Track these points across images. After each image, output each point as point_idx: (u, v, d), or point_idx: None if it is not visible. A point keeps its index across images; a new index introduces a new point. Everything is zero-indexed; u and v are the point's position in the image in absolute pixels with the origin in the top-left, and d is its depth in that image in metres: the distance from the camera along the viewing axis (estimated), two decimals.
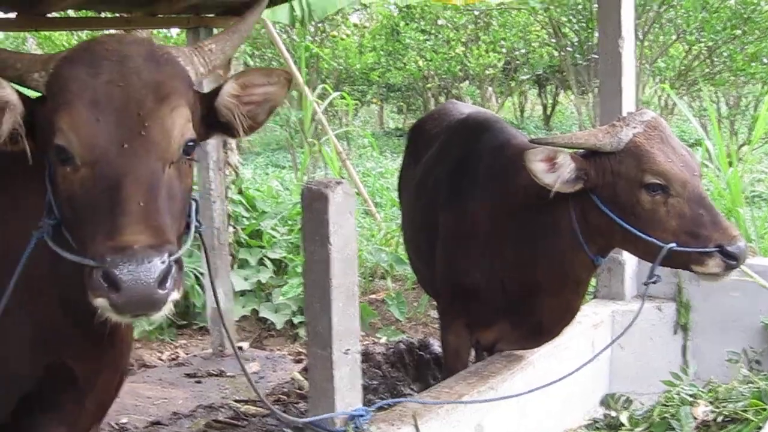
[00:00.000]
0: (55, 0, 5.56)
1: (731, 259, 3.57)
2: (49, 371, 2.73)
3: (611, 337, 5.23)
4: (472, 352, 4.97)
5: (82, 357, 2.72)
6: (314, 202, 3.19)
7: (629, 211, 3.71)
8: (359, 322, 3.44)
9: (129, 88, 2.26)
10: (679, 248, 3.63)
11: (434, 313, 8.44)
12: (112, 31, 5.59)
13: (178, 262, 2.14)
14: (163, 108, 2.27)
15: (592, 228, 3.85)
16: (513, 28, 19.58)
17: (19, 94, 2.37)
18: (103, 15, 6.51)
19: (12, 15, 5.88)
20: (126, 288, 2.00)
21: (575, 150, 3.80)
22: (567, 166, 3.68)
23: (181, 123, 2.31)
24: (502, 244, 4.20)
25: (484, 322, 4.49)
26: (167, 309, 2.12)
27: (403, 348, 6.48)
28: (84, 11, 6.73)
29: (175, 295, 2.10)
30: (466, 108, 5.52)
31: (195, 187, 8.88)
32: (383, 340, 7.70)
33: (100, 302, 2.06)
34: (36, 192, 2.47)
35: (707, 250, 3.60)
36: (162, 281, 2.04)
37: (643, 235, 3.68)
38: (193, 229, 2.49)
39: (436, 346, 6.44)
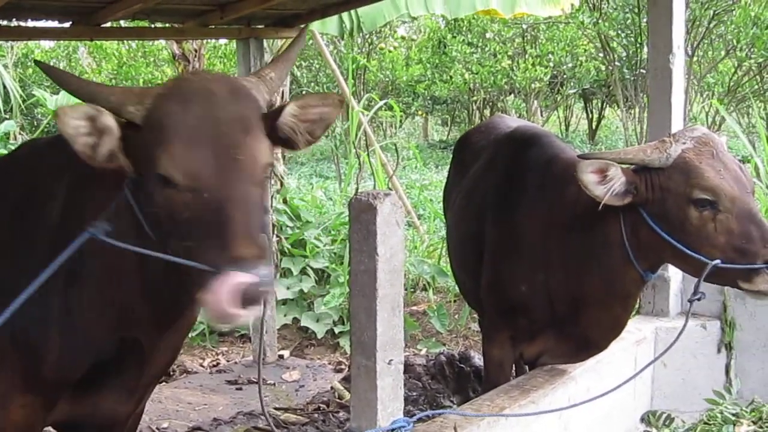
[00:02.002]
0: (109, 11, 5.64)
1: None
2: (122, 343, 3.08)
3: (654, 353, 5.18)
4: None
5: (150, 334, 3.06)
6: (362, 213, 3.21)
7: (678, 227, 3.67)
8: (403, 333, 3.45)
9: (219, 122, 2.56)
10: (724, 265, 3.58)
11: (475, 326, 8.42)
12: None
13: None
14: (248, 139, 2.57)
15: (643, 243, 3.81)
16: (560, 42, 19.50)
17: (115, 119, 2.66)
18: (155, 25, 6.59)
19: (67, 24, 5.98)
20: (246, 298, 2.31)
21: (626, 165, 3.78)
22: (618, 179, 3.66)
23: (264, 150, 2.62)
24: (549, 257, 4.18)
25: (529, 335, 4.47)
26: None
27: (443, 360, 6.48)
28: (137, 21, 6.82)
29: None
30: (513, 122, 5.52)
31: None
32: (423, 351, 7.71)
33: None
34: (102, 197, 2.80)
35: (755, 266, 3.54)
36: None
37: (691, 252, 3.64)
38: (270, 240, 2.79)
39: (477, 359, 6.43)
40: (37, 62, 3.44)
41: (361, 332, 3.34)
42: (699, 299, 3.82)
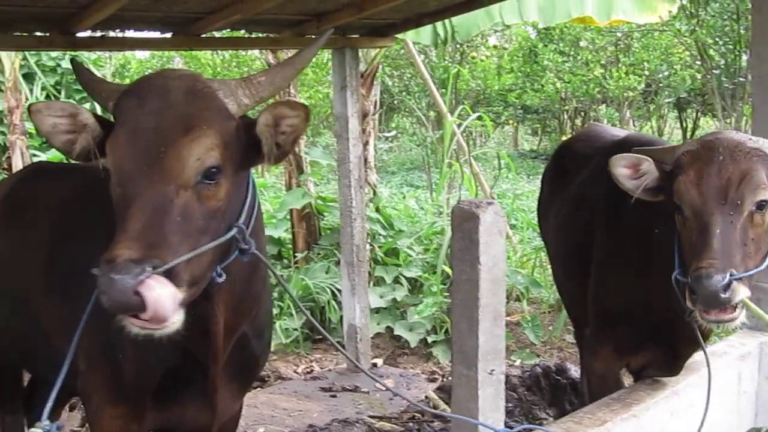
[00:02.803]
0: (208, 21, 5.75)
1: (692, 293, 3.30)
2: (185, 353, 3.08)
3: (759, 369, 5.02)
4: None
5: (196, 342, 2.99)
6: (464, 222, 3.19)
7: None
8: (504, 344, 3.41)
9: (161, 119, 2.52)
10: (679, 277, 3.50)
11: (569, 338, 8.32)
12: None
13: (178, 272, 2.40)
14: (183, 138, 2.50)
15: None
16: (655, 50, 19.17)
17: (98, 118, 2.76)
18: (253, 35, 6.69)
19: (168, 35, 6.11)
20: (106, 295, 2.29)
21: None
22: (651, 174, 3.65)
23: (198, 152, 2.51)
24: (651, 266, 4.10)
25: (634, 347, 4.39)
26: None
27: (539, 372, 6.41)
28: (235, 32, 6.93)
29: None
30: (615, 130, 5.45)
31: (335, 205, 9.08)
32: (518, 362, 7.64)
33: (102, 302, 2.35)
34: None
35: (680, 279, 3.48)
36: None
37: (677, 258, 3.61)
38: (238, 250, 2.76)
39: (573, 371, 6.34)
40: (72, 60, 3.50)
41: (462, 341, 3.31)
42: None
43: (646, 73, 19.76)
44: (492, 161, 17.51)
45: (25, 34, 5.53)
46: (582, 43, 20.20)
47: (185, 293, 2.45)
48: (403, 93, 18.52)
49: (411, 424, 6.10)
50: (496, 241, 3.23)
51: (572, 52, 20.78)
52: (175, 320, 2.42)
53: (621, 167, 3.66)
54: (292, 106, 2.70)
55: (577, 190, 4.92)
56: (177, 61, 21.67)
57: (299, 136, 2.75)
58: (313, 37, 6.75)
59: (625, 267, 4.24)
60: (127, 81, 18.46)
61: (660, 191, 3.67)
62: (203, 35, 6.22)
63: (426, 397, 6.58)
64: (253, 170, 2.99)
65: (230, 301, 2.96)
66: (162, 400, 3.27)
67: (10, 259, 3.98)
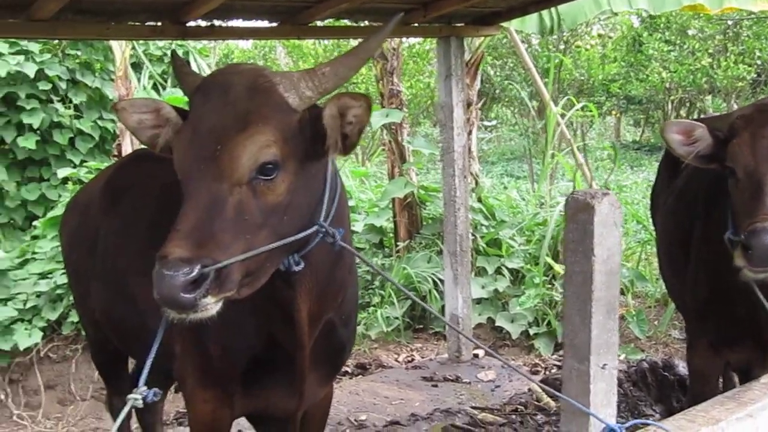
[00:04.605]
0: (316, 10, 5.79)
1: (746, 250, 3.32)
2: (271, 339, 3.17)
3: None
4: None
5: (285, 330, 3.08)
6: (579, 213, 3.13)
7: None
8: (617, 338, 3.34)
9: (220, 116, 2.55)
10: (731, 237, 3.55)
11: (675, 333, 8.15)
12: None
13: (221, 271, 2.41)
14: (238, 136, 2.50)
15: None
16: (767, 39, 18.53)
17: (180, 111, 2.81)
18: (361, 24, 6.71)
19: (274, 24, 6.17)
20: (156, 289, 2.35)
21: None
22: (704, 141, 3.66)
23: (252, 149, 2.51)
24: None
25: (728, 341, 4.27)
26: (206, 310, 2.43)
27: (645, 367, 6.31)
28: (336, 21, 6.96)
29: (208, 301, 2.40)
30: None
31: (437, 194, 9.06)
32: (622, 357, 7.50)
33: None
34: None
35: (732, 238, 3.51)
36: (189, 288, 2.33)
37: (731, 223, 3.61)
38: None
39: (681, 367, 6.21)
40: (172, 52, 3.56)
41: (574, 335, 3.25)
42: None
43: (758, 62, 19.11)
44: (594, 152, 17.22)
45: (137, 23, 5.66)
46: (691, 32, 19.65)
47: (234, 292, 2.49)
48: (506, 82, 18.34)
49: (514, 416, 6.06)
50: (612, 233, 3.16)
51: (678, 41, 20.25)
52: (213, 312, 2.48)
53: (673, 133, 3.68)
54: (355, 97, 2.66)
55: (683, 180, 4.87)
56: (279, 50, 21.92)
57: (364, 127, 2.71)
58: (416, 26, 6.76)
59: (722, 258, 4.13)
60: None
61: (713, 159, 3.67)
62: (311, 24, 6.26)
63: (529, 389, 6.52)
64: (342, 160, 2.99)
65: (314, 288, 2.97)
66: (250, 386, 3.35)
67: (111, 242, 4.13)
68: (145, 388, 2.57)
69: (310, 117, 2.67)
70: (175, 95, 9.71)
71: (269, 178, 2.55)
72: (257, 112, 2.56)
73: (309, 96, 2.67)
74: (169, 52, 11.80)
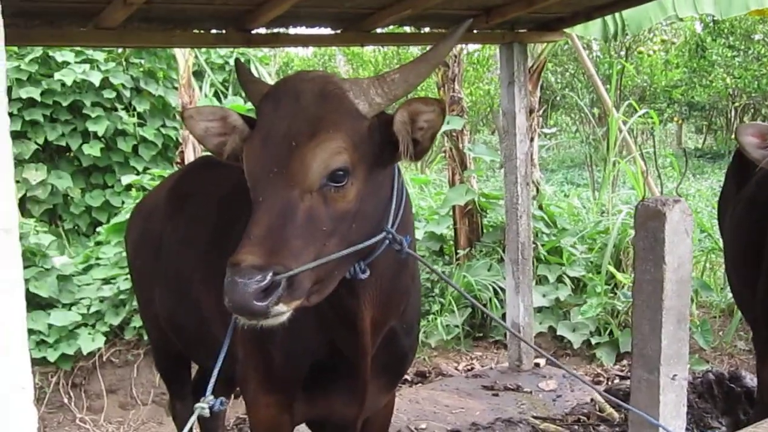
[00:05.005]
0: (379, 17, 5.78)
1: None
2: (332, 346, 3.16)
3: None
4: None
5: (343, 336, 3.09)
6: (649, 221, 3.09)
7: None
8: (687, 348, 3.28)
9: (291, 123, 2.54)
10: None
11: (741, 344, 7.97)
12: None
13: (292, 279, 2.40)
14: (309, 143, 2.50)
15: None
16: None
17: (246, 119, 2.81)
18: (422, 31, 6.70)
19: (338, 31, 6.19)
20: (228, 296, 2.35)
21: None
22: None
23: (323, 156, 2.49)
24: None
25: None
26: (278, 317, 2.42)
27: (712, 378, 6.16)
28: (397, 28, 6.96)
29: (281, 308, 2.39)
30: None
31: (498, 202, 9.01)
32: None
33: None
34: None
35: None
36: (261, 296, 2.33)
37: None
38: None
39: (749, 379, 6.06)
40: (236, 60, 3.55)
41: (643, 344, 3.21)
42: None
43: None
44: (652, 160, 16.97)
45: (202, 31, 5.72)
46: (755, 37, 19.30)
47: (304, 300, 2.48)
48: (566, 89, 18.19)
49: (576, 426, 5.98)
50: (683, 241, 3.11)
51: (743, 46, 19.90)
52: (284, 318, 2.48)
53: (749, 135, 3.58)
54: (427, 102, 2.63)
55: (753, 187, 4.75)
56: (339, 58, 22.04)
57: (437, 132, 2.69)
58: (479, 32, 6.72)
59: None
60: None
61: None
62: (371, 31, 6.27)
63: (592, 399, 6.43)
64: (405, 167, 2.97)
65: (377, 296, 2.96)
66: (311, 393, 3.34)
67: (175, 248, 4.16)
68: (212, 397, 2.55)
69: (380, 123, 2.66)
70: (236, 103, 9.79)
71: (340, 184, 2.54)
72: (328, 118, 2.55)
73: (379, 102, 2.66)
74: (230, 61, 11.96)
